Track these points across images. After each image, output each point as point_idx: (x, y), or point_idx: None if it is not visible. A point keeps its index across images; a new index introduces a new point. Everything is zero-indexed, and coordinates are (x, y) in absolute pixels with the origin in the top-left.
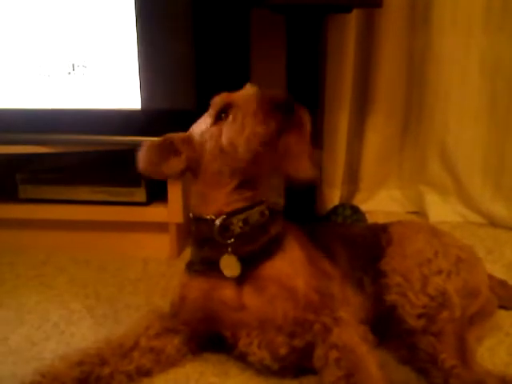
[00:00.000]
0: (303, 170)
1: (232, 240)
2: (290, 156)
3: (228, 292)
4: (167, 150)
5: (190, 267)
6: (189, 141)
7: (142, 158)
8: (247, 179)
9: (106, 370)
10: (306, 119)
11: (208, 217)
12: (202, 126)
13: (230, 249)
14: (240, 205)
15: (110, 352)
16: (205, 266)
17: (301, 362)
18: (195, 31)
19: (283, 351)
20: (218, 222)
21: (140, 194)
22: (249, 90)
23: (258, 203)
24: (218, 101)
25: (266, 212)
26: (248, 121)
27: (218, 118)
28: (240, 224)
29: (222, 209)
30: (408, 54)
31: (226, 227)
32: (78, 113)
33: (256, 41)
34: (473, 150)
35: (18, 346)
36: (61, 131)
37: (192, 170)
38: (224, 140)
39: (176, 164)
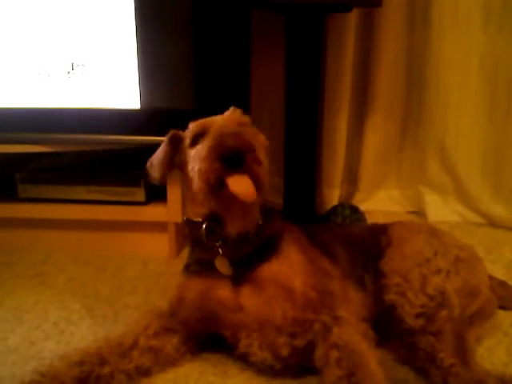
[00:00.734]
0: (238, 223)
1: (220, 242)
2: (232, 204)
3: (225, 292)
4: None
5: (187, 268)
6: (180, 140)
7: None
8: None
9: (106, 370)
10: (257, 173)
11: (196, 219)
12: (187, 138)
13: (220, 250)
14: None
15: (110, 351)
16: (201, 267)
17: (302, 361)
18: (195, 31)
19: (285, 352)
20: (204, 225)
21: (139, 194)
22: (227, 116)
23: None
24: (193, 128)
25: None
26: (198, 162)
27: (194, 143)
28: None
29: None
30: (408, 54)
31: (212, 230)
32: (78, 112)
33: (256, 41)
34: (472, 150)
35: (17, 346)
36: (60, 130)
37: (181, 171)
38: (189, 168)
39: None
